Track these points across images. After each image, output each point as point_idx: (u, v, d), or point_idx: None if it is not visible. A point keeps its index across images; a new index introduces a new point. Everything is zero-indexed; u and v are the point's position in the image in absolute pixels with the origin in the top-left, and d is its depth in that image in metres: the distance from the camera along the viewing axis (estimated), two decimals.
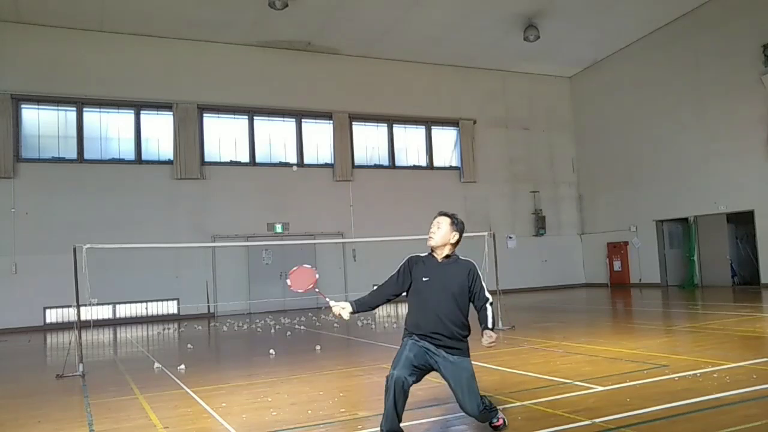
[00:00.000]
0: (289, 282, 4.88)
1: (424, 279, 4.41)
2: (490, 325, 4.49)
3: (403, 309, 17.60)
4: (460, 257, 4.57)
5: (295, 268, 4.96)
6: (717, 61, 18.39)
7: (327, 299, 4.69)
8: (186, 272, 17.83)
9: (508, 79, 23.15)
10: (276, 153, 19.81)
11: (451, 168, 22.15)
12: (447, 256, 4.49)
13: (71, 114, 17.46)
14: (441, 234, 4.43)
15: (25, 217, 16.42)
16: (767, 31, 17.03)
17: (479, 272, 4.55)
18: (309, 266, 5.00)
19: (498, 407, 4.68)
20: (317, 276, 4.92)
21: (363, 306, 4.56)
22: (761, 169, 17.23)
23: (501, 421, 4.55)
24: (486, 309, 4.51)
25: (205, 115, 18.90)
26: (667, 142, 20.05)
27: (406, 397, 4.32)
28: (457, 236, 4.49)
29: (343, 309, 4.56)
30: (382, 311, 17.05)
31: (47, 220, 16.50)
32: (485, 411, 4.45)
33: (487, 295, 4.54)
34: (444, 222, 4.46)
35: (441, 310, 4.36)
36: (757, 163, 17.33)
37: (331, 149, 20.28)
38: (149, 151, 18.28)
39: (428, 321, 4.38)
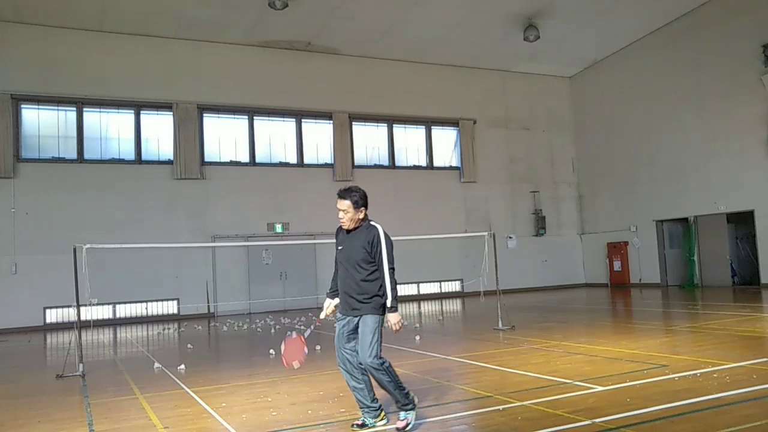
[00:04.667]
0: (284, 361, 4.94)
1: (339, 248, 4.81)
2: (389, 303, 4.60)
3: (402, 308, 17.60)
4: (371, 223, 4.75)
5: (284, 346, 4.95)
6: (717, 61, 18.39)
7: (314, 326, 5.02)
8: (186, 272, 17.83)
9: (508, 79, 23.16)
10: (276, 153, 19.81)
11: (451, 168, 22.15)
12: (355, 227, 4.73)
13: (71, 114, 17.46)
14: (349, 217, 4.68)
15: (25, 217, 16.42)
16: (767, 31, 17.03)
17: (383, 238, 4.63)
18: (294, 336, 4.98)
19: (414, 406, 4.72)
20: (305, 338, 4.97)
21: (335, 292, 4.93)
22: (761, 169, 17.23)
23: (405, 423, 4.63)
24: (385, 282, 4.61)
25: (205, 115, 18.90)
26: (667, 142, 20.05)
27: (360, 375, 4.69)
28: (362, 211, 4.70)
29: (328, 306, 4.97)
30: None
31: (47, 220, 16.51)
32: (389, 380, 4.59)
33: (386, 263, 4.61)
34: (345, 205, 4.67)
35: (348, 276, 4.68)
36: (757, 163, 17.33)
37: (331, 149, 20.28)
38: (149, 151, 18.28)
39: (341, 287, 4.77)
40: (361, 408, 4.80)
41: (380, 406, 4.82)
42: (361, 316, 4.62)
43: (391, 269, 4.63)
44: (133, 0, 16.13)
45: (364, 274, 4.60)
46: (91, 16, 16.81)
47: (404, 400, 4.67)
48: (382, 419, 4.78)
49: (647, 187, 20.82)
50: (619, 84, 21.90)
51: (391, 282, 4.61)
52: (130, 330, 15.41)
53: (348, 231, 4.76)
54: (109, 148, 17.84)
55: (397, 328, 4.61)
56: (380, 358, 4.57)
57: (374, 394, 4.79)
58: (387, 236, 4.68)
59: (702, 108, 18.86)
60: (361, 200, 4.66)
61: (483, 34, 19.68)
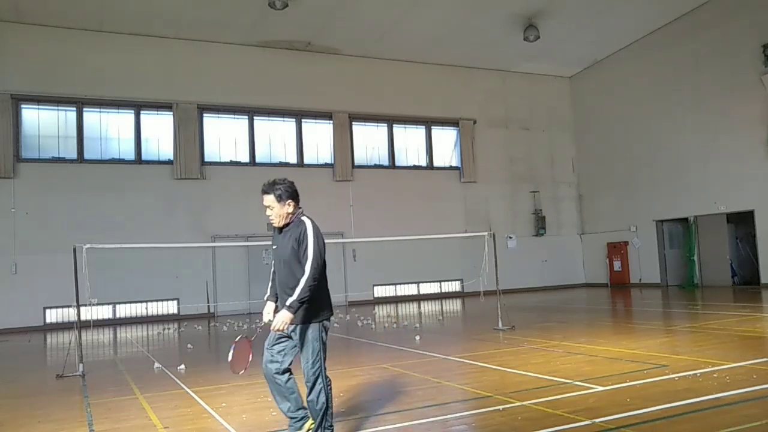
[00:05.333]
0: (232, 368, 4.35)
1: (273, 247, 4.42)
2: (293, 297, 4.04)
3: (402, 308, 17.59)
4: (302, 217, 4.34)
5: (233, 352, 4.34)
6: (717, 61, 18.38)
7: (255, 334, 4.49)
8: (186, 272, 17.82)
9: (508, 79, 23.16)
10: (276, 153, 19.81)
11: (451, 168, 22.15)
12: (286, 224, 4.33)
13: (71, 114, 17.45)
14: (276, 213, 4.29)
15: (25, 217, 16.42)
16: (767, 31, 17.03)
17: (310, 232, 4.21)
18: (238, 340, 4.42)
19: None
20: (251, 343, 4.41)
21: (275, 295, 4.43)
22: (761, 169, 17.23)
23: None
24: (302, 278, 4.09)
25: (205, 115, 18.90)
26: (667, 142, 20.05)
27: (281, 382, 4.28)
28: (290, 204, 4.29)
29: (269, 313, 4.38)
30: (382, 311, 17.04)
31: (47, 220, 16.50)
32: (324, 402, 4.12)
33: (310, 257, 4.14)
34: (269, 200, 4.28)
35: (281, 278, 4.28)
36: (757, 163, 17.33)
37: (331, 149, 20.28)
38: (149, 151, 18.28)
39: (277, 288, 4.37)
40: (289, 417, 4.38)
41: (305, 415, 4.33)
42: (297, 325, 4.15)
43: (314, 267, 4.10)
44: (133, 0, 16.13)
45: (298, 275, 4.12)
46: (91, 16, 16.81)
47: (322, 428, 4.17)
48: (309, 429, 4.29)
49: (647, 187, 20.82)
50: (619, 84, 21.90)
51: (307, 280, 4.06)
52: (130, 330, 15.41)
53: (281, 229, 4.35)
54: (109, 148, 17.84)
55: (278, 329, 4.04)
56: (325, 376, 4.15)
57: (300, 402, 4.36)
58: (316, 231, 4.24)
59: (702, 108, 18.85)
60: (285, 193, 4.24)
61: (483, 34, 19.68)
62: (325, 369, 4.18)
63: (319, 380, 4.12)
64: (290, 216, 4.32)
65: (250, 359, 4.28)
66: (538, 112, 23.61)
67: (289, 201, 4.29)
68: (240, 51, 19.23)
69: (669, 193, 20.03)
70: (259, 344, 4.37)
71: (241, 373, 4.29)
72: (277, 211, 4.28)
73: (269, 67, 19.54)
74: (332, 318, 4.39)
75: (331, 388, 4.23)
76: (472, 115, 22.33)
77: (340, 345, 10.56)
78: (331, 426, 4.22)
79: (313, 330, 4.16)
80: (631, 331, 10.22)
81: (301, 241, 4.19)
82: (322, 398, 4.12)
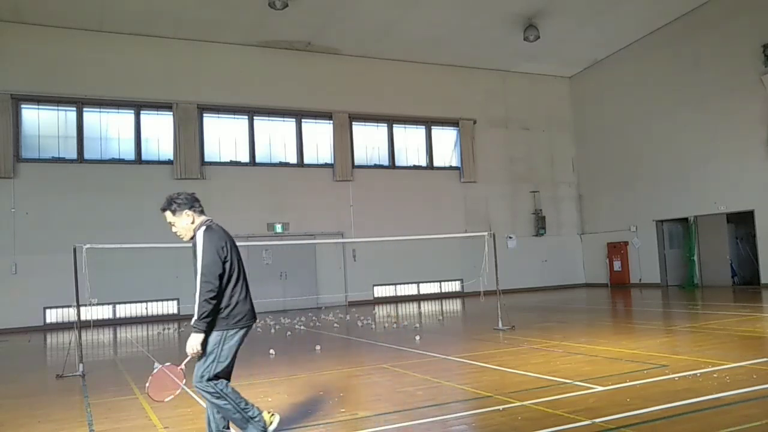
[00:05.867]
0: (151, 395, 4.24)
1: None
2: (194, 317, 3.92)
3: (402, 308, 17.59)
4: (200, 229, 4.14)
5: (152, 379, 4.22)
6: (717, 61, 18.38)
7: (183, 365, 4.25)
8: (186, 272, 17.71)
9: (508, 79, 23.15)
10: (276, 153, 19.81)
11: (451, 168, 22.15)
12: (192, 236, 4.18)
13: (71, 114, 17.46)
14: (180, 228, 4.20)
15: (25, 217, 16.43)
16: (767, 31, 17.03)
17: (200, 242, 4.03)
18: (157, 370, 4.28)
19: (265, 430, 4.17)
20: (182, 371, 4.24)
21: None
22: (761, 169, 17.23)
23: None
24: (196, 293, 3.93)
25: (205, 115, 18.90)
26: (667, 142, 20.05)
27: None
28: (189, 214, 4.16)
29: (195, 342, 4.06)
30: (382, 311, 17.05)
31: (47, 220, 16.51)
32: (226, 404, 4.03)
33: (199, 271, 3.95)
34: (169, 217, 4.19)
35: (194, 290, 4.07)
36: (757, 163, 17.32)
37: (331, 149, 20.28)
38: (149, 151, 18.28)
39: None
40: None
41: (258, 413, 4.24)
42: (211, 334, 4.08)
43: (204, 282, 3.89)
44: (133, 0, 16.13)
45: None
46: (91, 16, 16.81)
47: (252, 428, 4.08)
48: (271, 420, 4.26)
49: (647, 187, 20.82)
50: (619, 84, 21.90)
51: (198, 297, 3.87)
52: (130, 330, 15.41)
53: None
54: (109, 148, 17.84)
55: (192, 353, 3.96)
56: (213, 380, 4.01)
57: (226, 422, 4.23)
58: (208, 239, 4.02)
59: (702, 108, 18.85)
60: (180, 205, 4.13)
61: (483, 34, 19.68)
62: (216, 375, 4.02)
63: (203, 384, 3.99)
64: (194, 228, 4.18)
65: (180, 385, 4.15)
66: (538, 112, 23.61)
67: (186, 211, 4.17)
68: (240, 51, 19.23)
69: (669, 193, 20.03)
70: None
71: (168, 399, 4.16)
72: (178, 225, 4.18)
73: (269, 67, 19.54)
74: (247, 329, 4.19)
75: (222, 391, 4.04)
76: (472, 115, 22.33)
77: (340, 345, 10.56)
78: (258, 420, 4.07)
79: (213, 337, 4.03)
80: (631, 331, 10.22)
81: (194, 254, 4.01)
82: (223, 400, 4.00)
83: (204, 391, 4.02)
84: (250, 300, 4.28)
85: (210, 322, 3.98)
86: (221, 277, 4.00)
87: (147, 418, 5.58)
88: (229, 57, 19.09)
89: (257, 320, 4.32)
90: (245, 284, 4.24)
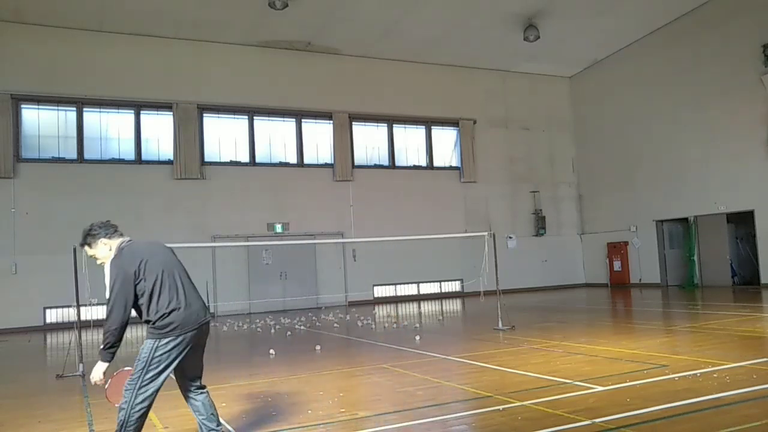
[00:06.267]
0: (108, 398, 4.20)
1: None
2: (101, 345, 3.88)
3: (402, 308, 17.60)
4: (116, 251, 4.10)
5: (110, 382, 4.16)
6: (717, 61, 18.38)
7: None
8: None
9: (508, 79, 23.15)
10: (276, 153, 19.81)
11: (451, 168, 22.15)
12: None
13: (71, 114, 17.46)
14: (102, 258, 4.16)
15: (25, 217, 16.43)
16: (767, 31, 17.03)
17: (107, 272, 4.00)
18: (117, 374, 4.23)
19: None
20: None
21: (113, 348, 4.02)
22: (761, 169, 17.23)
23: None
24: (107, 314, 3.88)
25: (205, 115, 18.90)
26: (667, 142, 20.05)
27: (195, 406, 4.28)
28: (105, 243, 4.14)
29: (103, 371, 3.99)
30: (382, 311, 17.05)
31: (47, 220, 16.50)
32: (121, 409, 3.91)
33: (106, 298, 3.90)
34: (89, 251, 4.19)
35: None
36: (757, 163, 17.33)
37: (331, 149, 20.28)
38: (149, 151, 18.28)
39: None
40: None
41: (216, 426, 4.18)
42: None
43: (108, 311, 3.84)
44: (133, 0, 16.13)
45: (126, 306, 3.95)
46: (91, 16, 16.81)
47: None
48: None
49: (647, 187, 20.82)
50: (619, 84, 21.90)
51: (105, 325, 3.82)
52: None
53: None
54: (109, 148, 17.84)
55: (94, 382, 3.92)
56: (141, 391, 3.89)
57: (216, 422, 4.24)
58: (115, 267, 3.95)
59: (702, 108, 18.85)
60: (93, 237, 4.13)
61: (483, 34, 19.68)
62: (145, 387, 3.93)
63: (128, 394, 3.89)
64: (112, 252, 4.11)
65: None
66: (537, 112, 23.61)
67: (102, 240, 4.15)
68: (240, 51, 19.23)
69: (669, 193, 20.03)
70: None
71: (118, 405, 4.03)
72: (99, 255, 4.16)
73: (269, 67, 19.54)
74: (186, 335, 4.05)
75: (139, 411, 3.91)
76: (472, 115, 22.33)
77: (340, 345, 10.57)
78: None
79: (145, 345, 3.98)
80: (631, 331, 10.22)
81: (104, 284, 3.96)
82: (121, 415, 3.86)
83: (123, 393, 3.91)
84: (196, 306, 4.15)
85: (114, 352, 3.94)
86: (137, 297, 3.95)
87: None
88: (229, 57, 19.09)
89: (207, 323, 4.23)
90: (185, 291, 4.11)
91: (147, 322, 3.99)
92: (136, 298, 3.96)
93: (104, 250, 4.14)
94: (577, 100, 24.10)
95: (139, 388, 3.90)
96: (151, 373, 3.95)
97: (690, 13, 19.09)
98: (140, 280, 3.96)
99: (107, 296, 3.88)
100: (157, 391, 4.01)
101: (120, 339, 3.92)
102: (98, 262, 4.21)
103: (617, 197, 22.12)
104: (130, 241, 4.24)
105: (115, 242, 4.17)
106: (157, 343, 3.95)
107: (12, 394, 7.34)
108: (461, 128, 22.07)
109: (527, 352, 8.22)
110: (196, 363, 4.32)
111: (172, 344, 3.99)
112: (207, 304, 4.48)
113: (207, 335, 4.34)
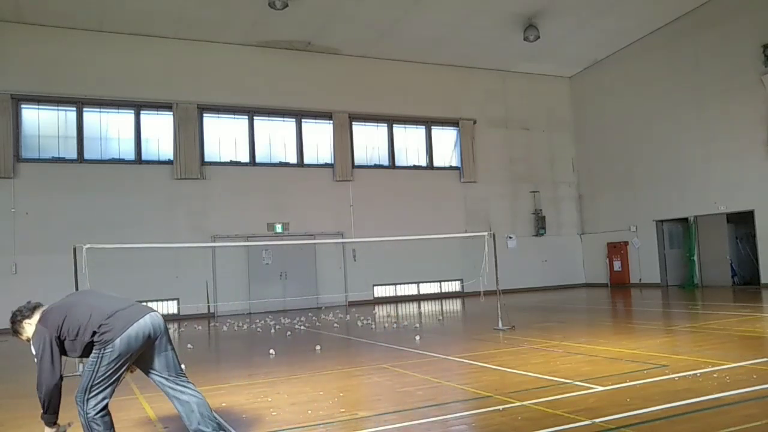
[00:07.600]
0: None
1: None
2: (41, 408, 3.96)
3: (402, 308, 17.59)
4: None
5: None
6: (717, 61, 18.39)
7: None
8: (186, 272, 17.82)
9: (508, 79, 23.16)
10: (276, 153, 19.81)
11: (451, 168, 22.15)
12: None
13: (71, 114, 17.46)
14: (26, 337, 4.28)
15: (25, 217, 16.42)
16: (767, 31, 17.03)
17: (33, 347, 4.12)
18: None
19: None
20: None
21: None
22: (761, 169, 17.23)
23: None
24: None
25: (205, 115, 18.90)
26: (667, 142, 20.05)
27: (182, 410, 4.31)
28: (28, 323, 4.25)
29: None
30: (382, 311, 17.05)
31: (47, 220, 16.50)
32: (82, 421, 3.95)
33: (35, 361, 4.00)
34: (22, 338, 4.32)
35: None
36: (757, 163, 17.33)
37: (331, 149, 20.28)
38: (149, 151, 18.28)
39: None
40: None
41: None
42: None
43: (38, 376, 3.96)
44: (133, 0, 16.14)
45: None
46: (91, 16, 16.81)
47: None
48: None
49: (647, 187, 20.82)
50: (619, 84, 21.90)
51: (38, 388, 3.95)
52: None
53: None
54: (109, 148, 17.84)
55: None
56: (93, 400, 3.91)
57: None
58: (36, 342, 4.09)
59: (702, 108, 18.86)
60: (18, 323, 4.29)
61: (483, 34, 19.68)
62: (95, 396, 3.93)
63: (80, 398, 3.92)
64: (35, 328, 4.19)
65: None
66: (537, 112, 23.61)
67: (26, 321, 4.25)
68: (240, 51, 19.23)
69: (669, 193, 20.03)
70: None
71: None
72: (29, 335, 4.23)
73: (269, 67, 19.54)
74: (127, 344, 3.98)
75: (97, 419, 3.92)
76: (472, 115, 22.33)
77: (340, 345, 10.56)
78: None
79: (91, 355, 4.00)
80: (631, 331, 10.22)
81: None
82: (82, 420, 3.90)
83: (77, 405, 3.94)
84: (127, 309, 4.12)
85: (56, 412, 3.99)
86: (66, 344, 4.06)
87: (147, 417, 5.58)
88: (229, 57, 19.09)
89: (148, 318, 4.20)
90: (112, 302, 4.18)
91: (47, 408, 3.98)
92: (65, 349, 4.07)
93: (30, 330, 4.22)
94: (577, 100, 24.10)
95: (86, 393, 3.95)
96: (100, 378, 3.96)
97: (690, 13, 19.09)
98: (65, 338, 4.05)
99: (36, 361, 3.96)
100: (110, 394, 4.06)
101: (58, 397, 3.97)
102: (31, 342, 4.21)
103: (617, 197, 22.13)
104: (42, 313, 4.28)
105: (34, 317, 4.26)
106: (101, 353, 3.96)
107: (12, 393, 7.34)
108: (461, 128, 22.07)
109: (527, 352, 8.22)
110: (154, 362, 4.35)
111: (114, 347, 3.95)
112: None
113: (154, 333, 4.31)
